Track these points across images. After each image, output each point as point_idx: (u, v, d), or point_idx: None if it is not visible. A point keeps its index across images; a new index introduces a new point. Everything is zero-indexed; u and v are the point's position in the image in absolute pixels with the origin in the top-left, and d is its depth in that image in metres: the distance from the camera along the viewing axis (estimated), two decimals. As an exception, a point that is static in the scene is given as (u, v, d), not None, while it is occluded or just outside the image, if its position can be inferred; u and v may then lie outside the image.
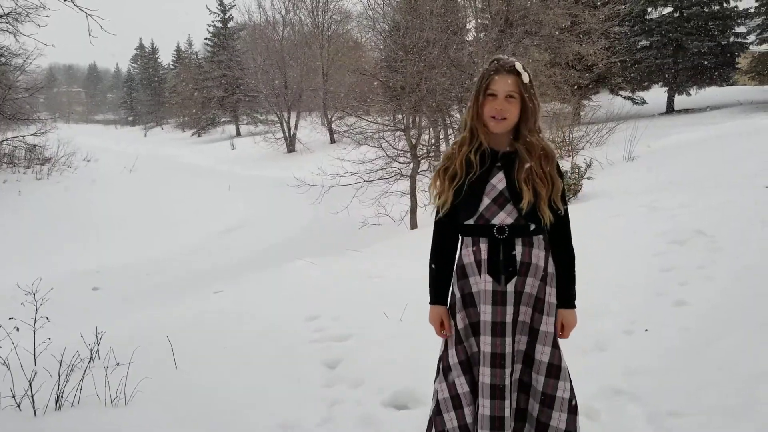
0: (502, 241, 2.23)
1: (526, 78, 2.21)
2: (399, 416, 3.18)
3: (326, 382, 3.64)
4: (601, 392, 3.12)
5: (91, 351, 4.01)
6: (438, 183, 2.34)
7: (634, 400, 3.08)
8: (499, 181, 2.24)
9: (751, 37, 24.06)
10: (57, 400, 3.42)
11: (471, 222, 2.27)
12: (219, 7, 43.77)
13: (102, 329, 4.25)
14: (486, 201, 2.24)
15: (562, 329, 2.33)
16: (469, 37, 16.00)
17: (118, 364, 3.83)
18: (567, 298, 2.34)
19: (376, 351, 4.01)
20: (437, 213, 2.38)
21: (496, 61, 2.26)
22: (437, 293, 2.40)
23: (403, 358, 3.79)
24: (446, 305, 2.39)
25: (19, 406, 3.40)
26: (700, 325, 3.85)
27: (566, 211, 2.32)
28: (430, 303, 2.41)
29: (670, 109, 24.39)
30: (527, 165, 2.21)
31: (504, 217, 2.22)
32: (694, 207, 6.67)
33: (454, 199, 2.27)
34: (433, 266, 2.42)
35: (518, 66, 2.21)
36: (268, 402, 3.44)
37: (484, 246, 2.24)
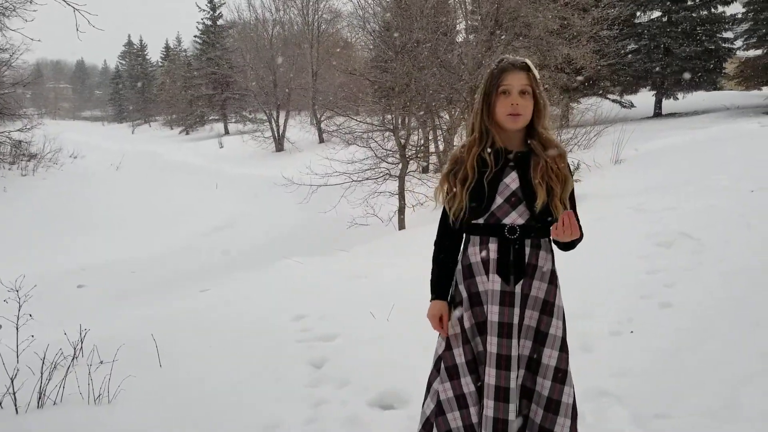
0: (512, 241, 2.20)
1: (536, 73, 2.22)
2: (385, 416, 3.17)
3: (312, 382, 3.62)
4: (586, 393, 3.12)
5: (75, 349, 3.98)
6: (446, 187, 2.31)
7: (619, 401, 3.09)
8: (512, 181, 2.21)
9: (738, 43, 24.27)
10: (39, 399, 3.39)
11: (481, 221, 2.24)
12: (208, 5, 43.56)
13: (86, 327, 4.21)
14: (499, 200, 2.21)
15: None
16: (460, 38, 16.01)
17: (102, 362, 3.80)
18: None
19: (362, 351, 4.00)
20: (444, 214, 2.33)
21: (504, 60, 2.24)
22: (439, 289, 2.37)
23: (389, 358, 3.78)
24: (447, 301, 2.35)
25: (0, 403, 3.37)
26: (685, 327, 3.87)
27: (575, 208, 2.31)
28: (431, 300, 2.38)
29: (658, 113, 24.53)
30: (543, 161, 2.19)
31: (516, 218, 2.20)
32: (681, 210, 6.71)
33: (470, 203, 2.23)
34: (436, 262, 2.39)
35: (528, 62, 2.22)
36: (254, 401, 3.42)
37: (493, 246, 2.21)
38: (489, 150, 2.23)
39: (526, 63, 2.21)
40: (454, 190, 2.26)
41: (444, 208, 2.35)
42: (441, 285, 2.37)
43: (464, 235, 2.33)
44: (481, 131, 2.26)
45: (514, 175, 2.22)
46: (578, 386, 3.11)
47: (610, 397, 3.13)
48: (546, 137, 2.24)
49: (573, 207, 2.30)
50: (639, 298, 4.45)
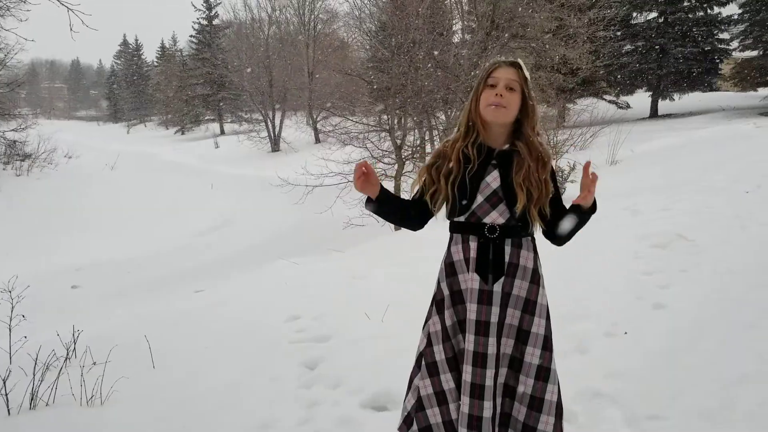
0: (492, 240, 2.20)
1: (527, 73, 2.21)
2: (378, 417, 3.16)
3: (305, 383, 3.61)
4: (580, 394, 3.12)
5: (68, 350, 3.96)
6: (426, 179, 2.30)
7: (613, 402, 3.08)
8: (493, 180, 2.21)
9: (734, 44, 24.34)
10: (32, 400, 3.38)
11: (462, 219, 2.24)
12: (204, 4, 43.49)
13: (79, 328, 4.20)
14: (479, 199, 2.21)
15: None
16: (456, 39, 16.02)
17: (95, 363, 3.79)
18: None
19: (356, 352, 3.99)
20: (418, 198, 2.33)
21: (497, 58, 2.26)
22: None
23: (383, 359, 3.77)
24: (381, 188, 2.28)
25: (-8, 405, 3.35)
26: (680, 328, 3.86)
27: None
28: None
29: (654, 114, 24.58)
30: (526, 165, 2.18)
31: (496, 217, 2.20)
32: (676, 211, 6.72)
33: (454, 196, 2.22)
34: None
35: (521, 61, 2.22)
36: (247, 402, 3.41)
37: (473, 244, 2.21)
38: (472, 146, 2.23)
39: (517, 61, 2.22)
40: (436, 184, 2.26)
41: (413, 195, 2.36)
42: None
43: (448, 234, 2.33)
44: (467, 126, 2.26)
45: (495, 174, 2.22)
46: (572, 387, 3.12)
47: (603, 398, 3.12)
48: (532, 141, 2.23)
49: (560, 211, 2.29)
50: (633, 298, 4.45)
